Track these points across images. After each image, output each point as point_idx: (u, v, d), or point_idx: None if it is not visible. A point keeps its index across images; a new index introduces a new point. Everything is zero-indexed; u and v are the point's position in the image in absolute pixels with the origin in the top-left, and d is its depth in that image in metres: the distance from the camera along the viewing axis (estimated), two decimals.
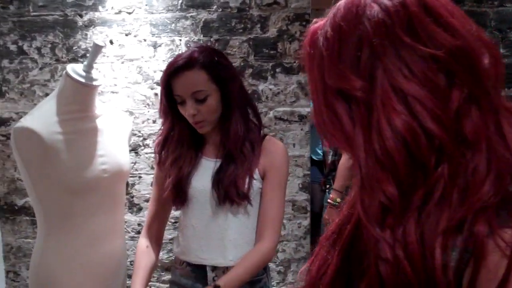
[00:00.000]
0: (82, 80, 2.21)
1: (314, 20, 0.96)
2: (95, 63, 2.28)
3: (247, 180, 1.96)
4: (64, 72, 2.22)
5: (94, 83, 2.26)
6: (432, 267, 0.76)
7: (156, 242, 2.15)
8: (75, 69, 2.23)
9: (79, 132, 2.26)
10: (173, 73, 1.90)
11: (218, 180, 1.97)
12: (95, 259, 2.36)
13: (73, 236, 2.30)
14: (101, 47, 2.25)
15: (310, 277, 0.97)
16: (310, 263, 0.99)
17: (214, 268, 2.02)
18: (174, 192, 2.02)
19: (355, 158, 0.86)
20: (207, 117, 1.93)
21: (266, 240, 1.97)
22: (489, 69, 0.82)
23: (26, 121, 2.18)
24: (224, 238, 2.01)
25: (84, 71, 2.23)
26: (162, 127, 2.06)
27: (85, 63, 2.24)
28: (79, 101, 2.25)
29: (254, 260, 1.94)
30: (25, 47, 3.05)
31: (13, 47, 3.05)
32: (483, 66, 0.81)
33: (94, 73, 2.27)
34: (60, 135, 2.19)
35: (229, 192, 1.95)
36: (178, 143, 2.04)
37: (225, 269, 2.00)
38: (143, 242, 2.11)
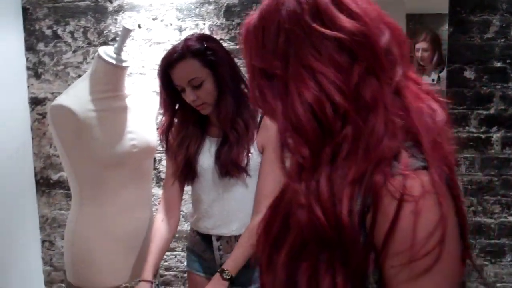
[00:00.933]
0: (113, 61, 2.36)
1: (249, 13, 1.13)
2: (125, 46, 2.41)
3: (244, 154, 2.10)
4: (96, 54, 2.37)
5: (124, 64, 2.40)
6: (340, 212, 0.92)
7: (172, 215, 2.30)
8: (106, 52, 2.37)
9: (110, 110, 2.41)
10: (168, 66, 2.06)
11: (218, 156, 2.13)
12: (125, 229, 2.51)
13: (105, 207, 2.45)
14: (130, 30, 2.39)
15: (259, 237, 1.16)
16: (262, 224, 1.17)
17: (219, 238, 2.21)
18: (185, 170, 2.19)
19: (277, 126, 1.04)
20: (206, 100, 2.08)
21: (259, 215, 1.99)
22: (387, 48, 0.98)
23: (62, 100, 2.34)
24: (227, 210, 2.18)
25: (114, 53, 2.38)
26: (163, 118, 2.23)
27: (116, 45, 2.40)
28: (110, 81, 2.40)
29: (248, 237, 2.06)
30: (59, 32, 3.23)
31: (48, 32, 3.24)
32: (380, 45, 0.97)
33: (124, 55, 2.43)
34: (93, 113, 2.34)
35: (227, 167, 2.10)
36: (183, 125, 2.21)
37: (229, 239, 2.19)
38: (158, 216, 2.29)
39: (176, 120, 2.23)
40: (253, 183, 2.16)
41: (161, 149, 3.16)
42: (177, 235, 3.27)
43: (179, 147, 2.19)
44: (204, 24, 3.09)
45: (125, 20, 3.14)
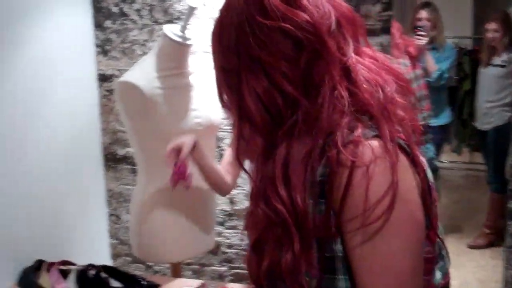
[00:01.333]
0: (178, 39, 2.39)
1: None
2: (189, 24, 2.43)
3: None
4: (161, 32, 2.40)
5: (188, 42, 2.44)
6: (295, 196, 0.99)
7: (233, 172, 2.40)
8: (172, 30, 2.41)
9: (175, 87, 2.45)
10: None
11: None
12: (189, 204, 2.54)
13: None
14: (194, 8, 2.41)
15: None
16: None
17: None
18: None
19: (232, 118, 1.12)
20: None
21: None
22: (334, 30, 1.03)
23: (128, 76, 2.40)
24: None
25: (180, 31, 2.42)
26: None
27: (181, 24, 2.43)
28: (175, 59, 2.43)
29: None
30: (125, 9, 3.28)
31: (115, 9, 3.29)
32: (324, 30, 1.01)
33: (188, 33, 2.45)
34: (159, 90, 2.39)
35: None
36: None
37: None
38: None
39: None
40: None
41: (224, 127, 3.21)
42: (239, 213, 3.31)
43: None
44: None
45: None
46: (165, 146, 2.41)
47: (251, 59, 1.03)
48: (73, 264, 2.59)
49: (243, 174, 3.14)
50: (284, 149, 1.02)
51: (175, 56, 2.44)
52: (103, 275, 2.45)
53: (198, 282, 2.54)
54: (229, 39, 1.06)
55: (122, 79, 2.39)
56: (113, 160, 3.46)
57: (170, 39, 2.39)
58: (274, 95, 1.01)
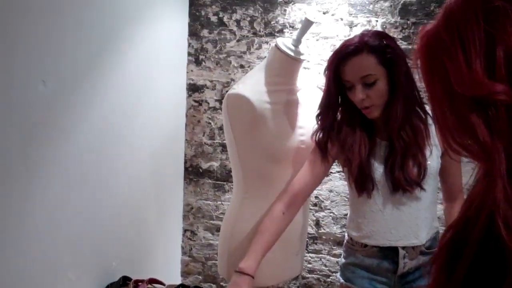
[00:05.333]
0: (291, 53, 2.29)
1: (422, 26, 0.88)
2: (303, 38, 2.33)
3: (417, 167, 1.99)
4: (273, 45, 2.30)
5: (301, 57, 2.34)
6: None
7: (294, 212, 2.16)
8: (284, 43, 2.31)
9: (284, 103, 2.34)
10: (343, 58, 1.95)
11: (389, 166, 2.02)
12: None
13: (267, 201, 2.39)
14: (312, 22, 2.31)
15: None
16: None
17: (403, 247, 2.08)
18: (359, 179, 2.05)
19: (495, 170, 0.73)
20: (375, 101, 1.95)
21: (462, 198, 2.12)
22: None
23: (239, 89, 2.29)
24: (414, 219, 2.06)
25: (292, 45, 2.32)
26: (321, 118, 2.13)
27: (294, 37, 2.32)
28: (285, 73, 2.33)
29: None
30: (225, 19, 3.19)
31: (213, 18, 3.20)
32: None
33: (302, 48, 2.35)
34: (268, 105, 2.28)
35: (398, 180, 1.99)
36: (350, 127, 2.07)
37: (415, 246, 2.07)
38: (280, 207, 2.13)
39: (338, 120, 2.11)
40: (433, 185, 2.09)
41: None
42: (324, 237, 3.17)
43: (349, 151, 2.06)
44: (377, 21, 2.96)
45: (294, 12, 3.06)
46: (266, 162, 2.31)
47: None
48: (161, 283, 2.48)
49: (331, 197, 3.02)
50: None
51: (285, 70, 2.33)
52: None
53: None
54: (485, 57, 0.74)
55: (233, 91, 2.28)
56: (195, 173, 3.35)
57: (282, 52, 2.28)
58: None
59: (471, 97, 0.74)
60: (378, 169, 2.05)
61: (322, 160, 2.14)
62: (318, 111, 2.15)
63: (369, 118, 2.04)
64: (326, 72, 2.05)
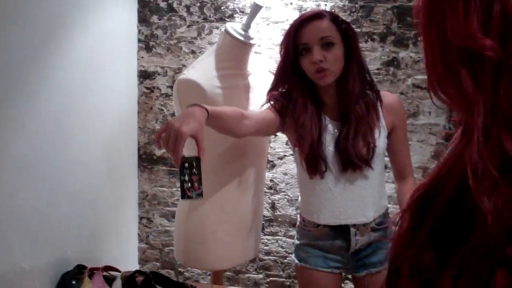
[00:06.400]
0: (241, 38, 2.31)
1: None
2: (252, 23, 2.36)
3: (368, 146, 2.07)
4: (223, 29, 2.31)
5: (251, 41, 2.35)
6: None
7: (247, 123, 2.07)
8: (234, 27, 2.32)
9: (235, 87, 2.36)
10: (303, 22, 2.03)
11: (340, 144, 2.08)
12: (240, 210, 2.47)
13: (224, 186, 2.41)
14: (260, 7, 2.33)
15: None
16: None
17: (353, 225, 2.15)
18: (312, 159, 2.09)
19: (473, 122, 0.75)
20: (331, 65, 2.01)
21: (410, 177, 2.24)
22: None
23: (189, 74, 2.29)
24: (362, 197, 2.14)
25: (242, 29, 2.33)
26: (276, 86, 2.17)
27: (244, 22, 2.34)
28: (235, 58, 2.35)
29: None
30: (174, 5, 3.16)
31: (163, 4, 3.17)
32: None
33: (251, 32, 2.36)
34: (219, 89, 2.30)
35: (349, 156, 2.06)
36: (303, 104, 2.11)
37: (365, 224, 2.15)
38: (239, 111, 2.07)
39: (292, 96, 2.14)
40: (380, 165, 2.17)
41: None
42: (280, 219, 3.21)
43: (302, 128, 2.09)
44: (326, 5, 2.98)
45: None
46: (221, 147, 2.32)
47: None
48: (117, 270, 2.46)
49: (285, 180, 3.05)
50: None
51: (236, 55, 2.36)
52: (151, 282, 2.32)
53: None
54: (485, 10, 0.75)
55: (183, 76, 2.28)
56: (149, 160, 3.34)
57: (232, 36, 2.30)
58: None
59: (462, 49, 0.75)
60: (329, 148, 2.09)
61: (275, 115, 2.14)
62: (271, 87, 2.19)
63: (323, 95, 2.09)
64: (282, 43, 2.10)
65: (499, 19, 0.73)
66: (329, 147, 2.09)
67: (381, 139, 2.10)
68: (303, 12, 2.07)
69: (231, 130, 2.05)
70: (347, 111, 2.06)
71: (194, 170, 1.84)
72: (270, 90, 2.19)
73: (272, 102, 2.16)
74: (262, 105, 2.24)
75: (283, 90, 2.16)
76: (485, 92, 0.73)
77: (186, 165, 1.82)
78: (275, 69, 2.18)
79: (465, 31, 0.74)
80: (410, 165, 2.26)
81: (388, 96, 2.18)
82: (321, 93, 2.12)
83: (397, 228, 0.89)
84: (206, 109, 1.84)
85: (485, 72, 0.73)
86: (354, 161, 2.05)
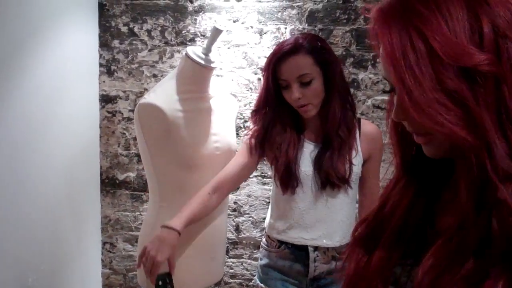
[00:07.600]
0: (202, 61, 2.31)
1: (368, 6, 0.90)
2: (212, 47, 2.36)
3: (346, 165, 2.06)
4: (184, 53, 2.32)
5: (212, 65, 2.36)
6: None
7: (218, 197, 2.22)
8: (194, 51, 2.33)
9: (196, 111, 2.36)
10: (280, 58, 2.00)
11: (319, 166, 2.07)
12: (202, 232, 2.43)
13: None
14: (220, 31, 2.34)
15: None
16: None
17: (315, 248, 2.13)
18: (285, 177, 2.10)
19: (484, 145, 0.72)
20: (312, 100, 2.02)
21: None
22: None
23: (150, 98, 2.28)
24: (329, 220, 2.12)
25: (203, 53, 2.34)
26: (255, 116, 2.19)
27: (204, 45, 2.35)
28: (196, 81, 2.35)
29: None
30: (135, 29, 3.17)
31: (124, 29, 3.18)
32: None
33: (212, 56, 2.38)
34: (181, 113, 2.29)
35: (330, 177, 2.05)
36: (282, 127, 2.13)
37: (326, 249, 2.13)
38: (206, 189, 2.19)
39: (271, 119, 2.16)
40: (353, 193, 2.14)
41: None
42: (244, 242, 3.21)
43: (278, 149, 2.11)
44: (285, 28, 3.03)
45: (204, 21, 3.09)
46: (181, 171, 2.32)
47: None
48: None
49: (249, 202, 3.06)
50: None
51: (196, 78, 2.35)
52: None
53: None
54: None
55: (144, 100, 2.27)
56: (112, 185, 3.32)
57: (193, 60, 2.30)
58: None
59: (458, 67, 0.73)
60: (306, 168, 2.10)
61: (252, 154, 2.19)
62: (254, 109, 2.19)
63: (305, 117, 2.09)
64: (264, 72, 2.09)
65: (491, 33, 0.72)
66: (307, 167, 2.10)
67: (357, 163, 2.11)
68: (281, 41, 2.05)
69: (207, 214, 2.26)
70: (329, 135, 2.07)
71: (168, 286, 2.08)
72: (254, 112, 2.20)
73: (252, 140, 2.20)
74: (245, 134, 2.29)
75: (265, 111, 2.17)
76: (490, 108, 0.72)
77: (160, 283, 2.05)
78: (258, 90, 2.19)
79: (458, 48, 0.72)
80: (379, 187, 2.23)
81: (368, 124, 2.19)
82: (303, 117, 2.13)
83: (347, 261, 0.92)
84: (177, 230, 2.06)
85: (486, 86, 0.72)
86: (333, 181, 2.05)
